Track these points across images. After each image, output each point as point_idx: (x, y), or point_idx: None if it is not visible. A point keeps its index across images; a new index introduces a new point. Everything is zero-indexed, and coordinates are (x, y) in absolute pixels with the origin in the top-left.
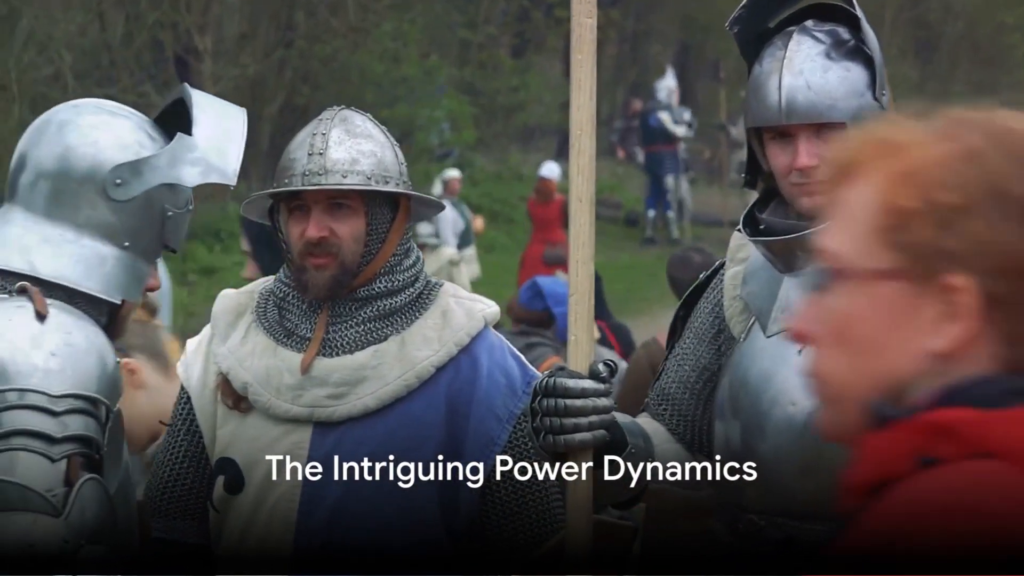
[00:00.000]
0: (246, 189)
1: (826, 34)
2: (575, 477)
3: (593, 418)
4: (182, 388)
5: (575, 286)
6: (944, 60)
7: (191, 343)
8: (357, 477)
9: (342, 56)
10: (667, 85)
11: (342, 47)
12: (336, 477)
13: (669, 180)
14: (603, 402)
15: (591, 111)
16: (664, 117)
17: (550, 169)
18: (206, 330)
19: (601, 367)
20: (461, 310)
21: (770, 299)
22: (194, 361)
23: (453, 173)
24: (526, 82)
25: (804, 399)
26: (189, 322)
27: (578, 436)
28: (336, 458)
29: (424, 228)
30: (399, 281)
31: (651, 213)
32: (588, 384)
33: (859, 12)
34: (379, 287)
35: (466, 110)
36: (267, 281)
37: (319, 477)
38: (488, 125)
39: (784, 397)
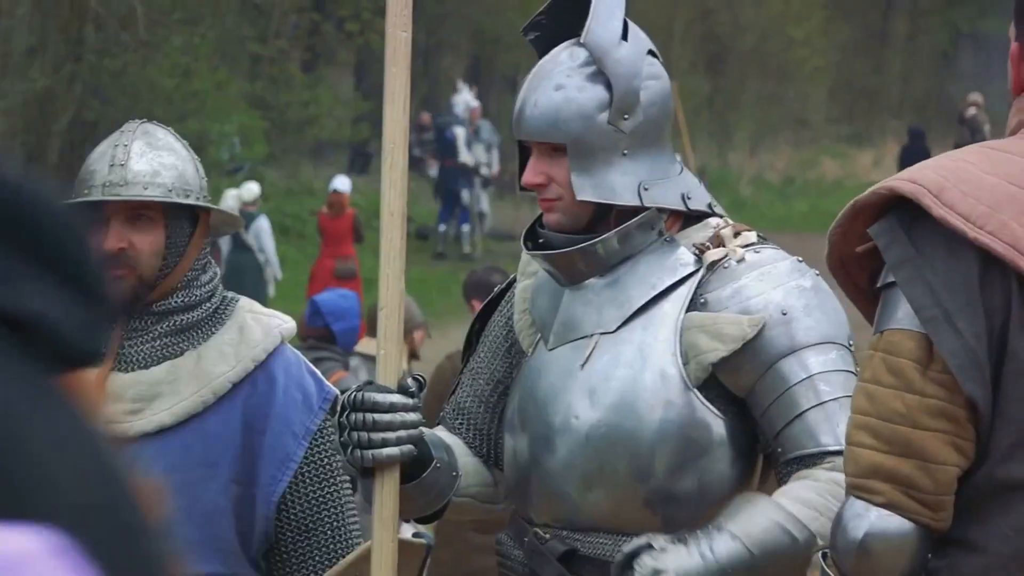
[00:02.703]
0: None
1: (581, 50)
2: (381, 492)
3: (401, 433)
4: None
5: (385, 300)
6: (734, 74)
7: None
8: None
9: (132, 70)
10: (464, 100)
11: (132, 61)
12: None
13: (465, 195)
14: (411, 417)
15: (405, 124)
16: (459, 132)
17: (342, 183)
18: None
19: (410, 382)
20: (258, 326)
21: (552, 312)
22: None
23: (254, 188)
24: (317, 96)
25: (586, 412)
26: None
27: (386, 451)
28: None
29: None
30: (196, 296)
31: (442, 228)
32: (397, 398)
33: (621, 30)
34: (175, 302)
35: (257, 124)
36: None
37: None
38: (279, 139)
39: (568, 410)
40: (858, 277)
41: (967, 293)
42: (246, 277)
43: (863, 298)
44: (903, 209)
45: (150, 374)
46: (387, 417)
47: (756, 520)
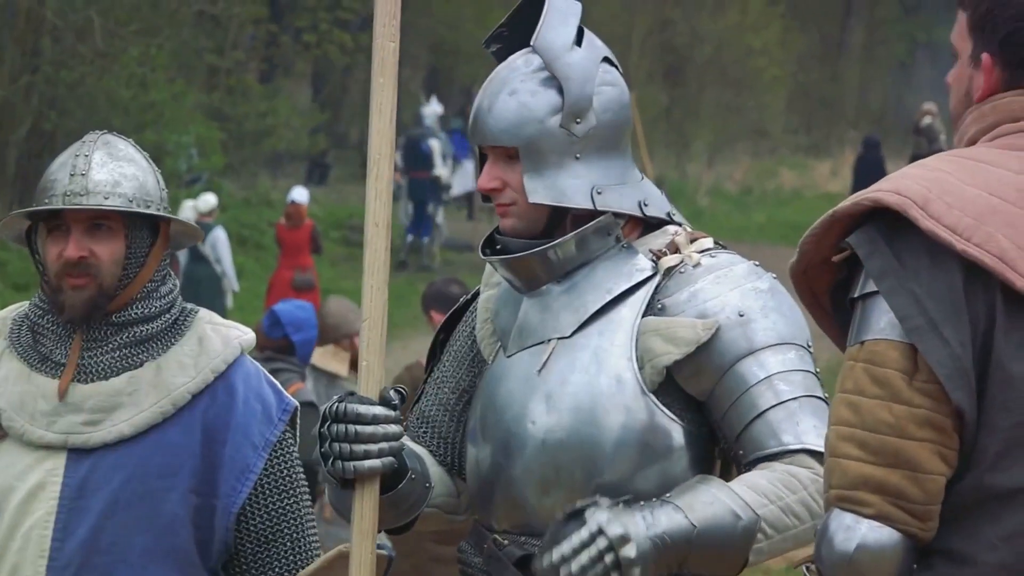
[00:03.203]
0: None
1: (536, 57)
2: (361, 504)
3: (383, 445)
4: None
5: (368, 311)
6: (692, 84)
7: None
8: (111, 504)
9: (89, 81)
10: (433, 111)
11: (89, 72)
12: (90, 504)
13: (431, 206)
14: (393, 429)
15: (391, 136)
16: (435, 145)
17: (300, 194)
18: None
19: (392, 394)
20: (217, 337)
21: (511, 319)
22: None
23: (211, 199)
24: (274, 107)
25: (543, 417)
26: None
27: (367, 463)
28: (90, 485)
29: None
30: (155, 307)
31: (409, 238)
32: (379, 410)
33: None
34: (135, 312)
35: (214, 135)
36: (20, 307)
37: (73, 505)
38: (237, 150)
39: (525, 415)
40: (818, 287)
41: (952, 303)
42: (203, 288)
43: (820, 309)
44: (882, 219)
45: (109, 385)
46: (369, 429)
47: (701, 497)
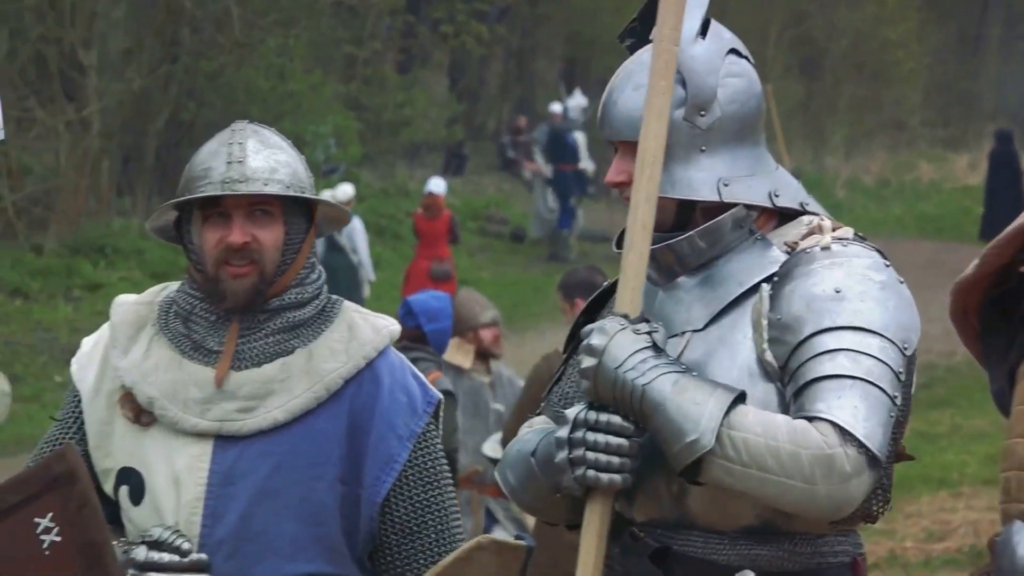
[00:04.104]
0: (131, 204)
1: None
2: (595, 513)
3: (626, 460)
4: (73, 386)
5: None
6: (829, 77)
7: (87, 342)
8: (260, 492)
9: (228, 72)
10: (577, 103)
11: (228, 63)
12: (239, 491)
13: (574, 198)
14: (637, 444)
15: (663, 138)
16: (580, 138)
17: (437, 184)
18: (104, 332)
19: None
20: (367, 325)
21: (647, 312)
22: (88, 364)
23: (348, 189)
24: (412, 98)
25: None
26: (74, 338)
27: (620, 476)
28: (237, 472)
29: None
30: (308, 293)
31: (566, 231)
32: (631, 425)
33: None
34: (290, 299)
35: (352, 126)
36: (164, 290)
37: (221, 491)
38: (374, 141)
39: None
40: (969, 303)
41: None
42: (340, 278)
43: (968, 326)
44: None
45: (262, 372)
46: (625, 443)
47: (695, 394)
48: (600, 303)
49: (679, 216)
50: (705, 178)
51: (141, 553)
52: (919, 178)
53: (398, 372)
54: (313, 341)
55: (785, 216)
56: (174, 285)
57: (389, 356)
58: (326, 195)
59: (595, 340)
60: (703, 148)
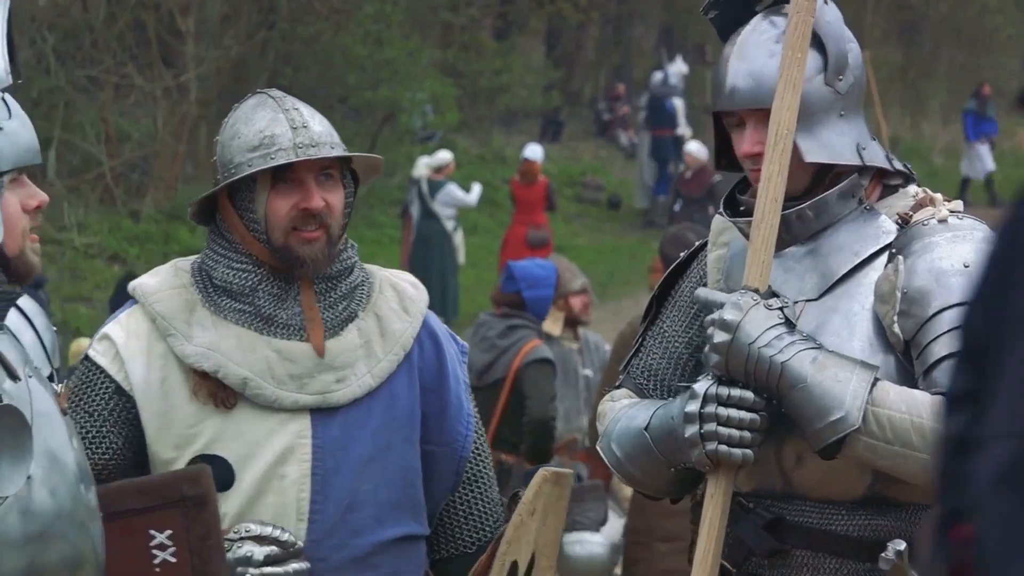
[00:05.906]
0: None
1: (784, 18)
2: (719, 485)
3: (756, 435)
4: (101, 379)
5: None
6: (927, 43)
7: (113, 334)
8: (364, 461)
9: (324, 38)
10: (678, 70)
11: (324, 29)
12: (343, 464)
13: (671, 165)
14: (762, 420)
15: (796, 111)
16: (678, 104)
17: (534, 151)
18: (130, 322)
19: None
20: (403, 282)
21: None
22: (132, 357)
23: (446, 155)
24: (509, 64)
25: None
26: None
27: (751, 451)
28: (340, 443)
29: (446, 211)
30: (352, 257)
31: (662, 198)
32: (759, 399)
33: None
34: (343, 263)
35: (449, 92)
36: (181, 270)
37: (327, 465)
38: (471, 107)
39: None
40: None
41: None
42: (433, 244)
43: None
44: None
45: (347, 339)
46: (757, 418)
47: (843, 363)
48: (680, 272)
49: (812, 183)
50: (846, 143)
51: (258, 551)
52: (1018, 145)
53: (441, 324)
54: (368, 303)
55: (885, 188)
56: (183, 264)
57: (428, 310)
58: (423, 162)
59: (729, 315)
60: (841, 113)
